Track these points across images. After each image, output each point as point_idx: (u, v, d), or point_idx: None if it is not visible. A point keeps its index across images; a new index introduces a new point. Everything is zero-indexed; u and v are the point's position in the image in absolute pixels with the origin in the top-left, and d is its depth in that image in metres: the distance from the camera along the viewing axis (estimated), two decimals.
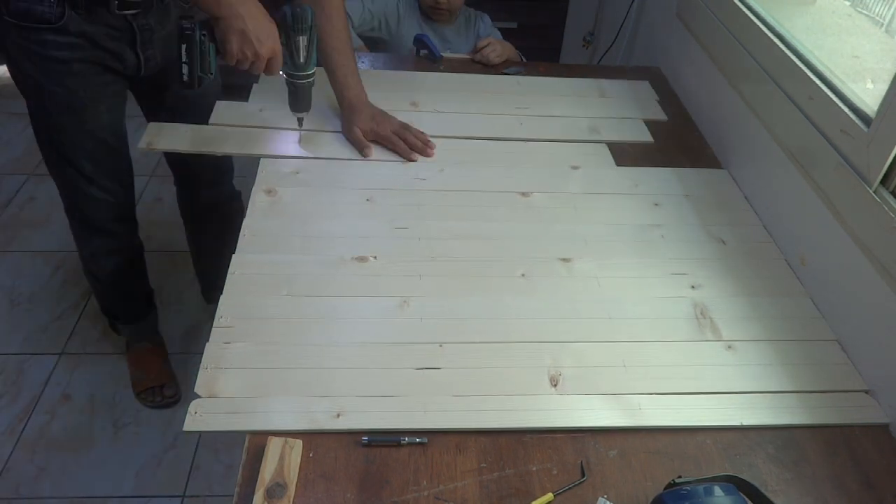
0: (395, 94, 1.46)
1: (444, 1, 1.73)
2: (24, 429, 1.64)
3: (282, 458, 0.77)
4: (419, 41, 1.67)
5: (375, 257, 1.05)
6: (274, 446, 0.78)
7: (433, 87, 1.51)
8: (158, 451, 1.62)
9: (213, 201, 1.65)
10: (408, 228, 1.12)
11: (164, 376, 1.73)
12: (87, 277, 1.62)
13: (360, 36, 1.77)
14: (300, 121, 1.24)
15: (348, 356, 0.90)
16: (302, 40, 1.10)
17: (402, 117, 1.38)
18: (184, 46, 1.06)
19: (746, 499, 0.72)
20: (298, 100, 1.19)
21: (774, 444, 0.85)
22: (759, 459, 0.83)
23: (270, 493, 0.73)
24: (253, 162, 1.24)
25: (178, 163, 1.60)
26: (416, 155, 1.27)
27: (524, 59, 1.72)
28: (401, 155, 1.27)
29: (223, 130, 1.29)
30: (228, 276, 1.00)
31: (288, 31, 1.09)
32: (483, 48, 1.62)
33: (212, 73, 1.10)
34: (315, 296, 0.98)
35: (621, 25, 1.96)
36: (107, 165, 1.37)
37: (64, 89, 1.22)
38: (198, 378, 0.85)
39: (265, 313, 0.95)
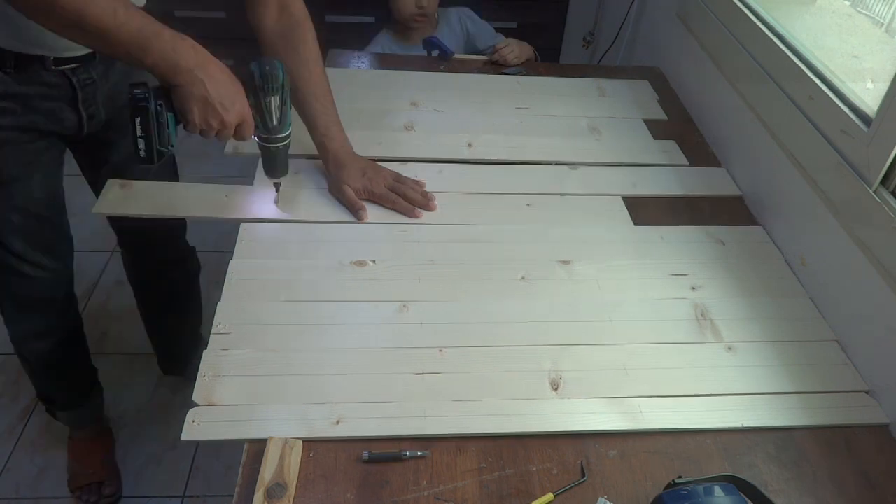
0: (395, 93, 1.46)
1: (426, 5, 1.72)
2: (23, 429, 1.64)
3: (282, 459, 0.77)
4: (429, 43, 1.67)
5: (374, 262, 1.05)
6: (274, 446, 0.78)
7: (433, 87, 1.50)
8: (158, 452, 1.62)
9: (166, 261, 1.48)
10: (406, 232, 1.11)
11: (104, 471, 1.53)
12: (20, 359, 1.41)
13: None
14: (277, 186, 1.10)
15: (347, 362, 0.90)
16: (273, 101, 0.96)
17: (401, 117, 1.38)
18: (138, 119, 0.90)
19: (746, 499, 0.72)
20: (274, 165, 1.05)
21: (774, 444, 0.85)
22: (759, 459, 0.83)
23: (270, 494, 0.73)
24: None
25: (120, 223, 1.39)
26: (420, 210, 1.14)
27: (539, 58, 1.71)
28: (402, 214, 1.13)
29: (192, 189, 1.16)
30: (226, 282, 0.99)
31: (257, 91, 0.95)
32: (501, 49, 1.62)
33: (172, 146, 0.94)
34: (313, 301, 0.98)
35: (621, 25, 1.96)
36: (40, 239, 1.19)
37: None
38: (195, 386, 0.84)
39: (263, 319, 0.94)
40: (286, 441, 0.78)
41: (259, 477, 0.75)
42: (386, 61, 1.65)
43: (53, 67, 1.02)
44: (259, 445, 0.78)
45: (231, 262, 1.02)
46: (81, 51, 1.03)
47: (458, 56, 1.66)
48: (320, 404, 0.84)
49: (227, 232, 1.13)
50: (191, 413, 0.82)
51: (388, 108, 1.41)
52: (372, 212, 1.14)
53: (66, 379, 1.46)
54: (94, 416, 1.57)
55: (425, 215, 1.15)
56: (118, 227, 1.41)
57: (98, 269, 2.06)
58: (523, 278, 1.05)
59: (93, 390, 1.53)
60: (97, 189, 1.20)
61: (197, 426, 0.80)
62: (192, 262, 1.54)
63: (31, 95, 1.04)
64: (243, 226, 1.09)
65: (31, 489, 1.53)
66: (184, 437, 0.80)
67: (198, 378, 0.85)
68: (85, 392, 1.52)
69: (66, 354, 1.42)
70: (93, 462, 1.53)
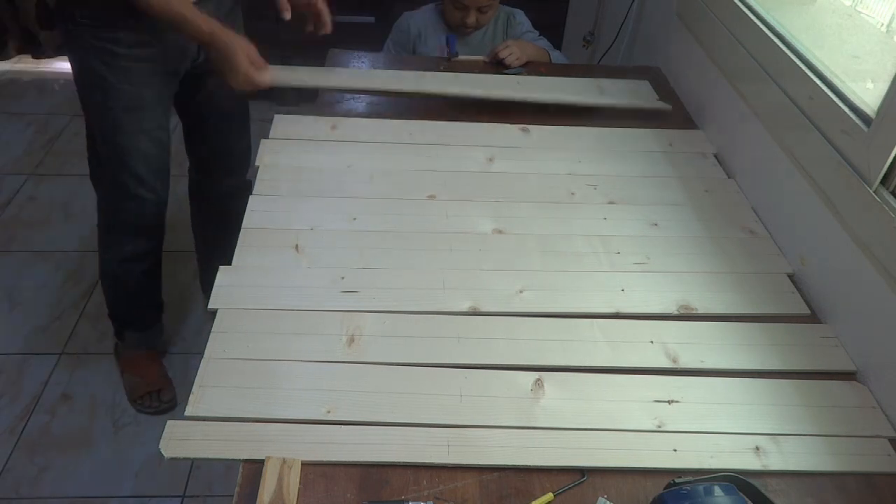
0: None
1: (471, 23, 1.72)
2: (24, 429, 1.64)
3: (280, 479, 0.75)
4: (446, 40, 1.69)
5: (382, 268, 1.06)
6: (272, 467, 0.76)
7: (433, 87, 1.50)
8: (158, 451, 1.61)
9: (231, 191, 1.62)
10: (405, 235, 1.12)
11: (161, 381, 1.71)
12: (108, 284, 1.61)
13: None
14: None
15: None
16: None
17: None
18: None
19: (746, 499, 0.72)
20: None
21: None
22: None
23: None
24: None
25: (201, 147, 1.59)
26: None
27: (551, 60, 1.71)
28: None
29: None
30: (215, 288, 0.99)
31: None
32: (499, 51, 1.61)
33: None
34: (315, 310, 0.96)
35: (621, 25, 1.96)
36: (157, 165, 1.39)
37: (131, 87, 1.26)
38: (189, 400, 0.84)
39: (258, 328, 0.93)
40: (284, 461, 0.76)
41: (258, 498, 0.73)
42: (386, 62, 1.65)
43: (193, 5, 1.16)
44: (255, 465, 0.77)
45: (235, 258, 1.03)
46: None
47: (459, 57, 1.66)
48: (320, 422, 0.82)
49: None
50: (170, 425, 0.81)
51: None
52: (370, 204, 1.14)
53: (147, 303, 1.67)
54: (157, 338, 1.76)
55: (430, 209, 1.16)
56: (192, 145, 1.59)
57: None
58: (521, 292, 1.05)
59: (160, 314, 1.74)
60: (188, 118, 1.53)
61: (187, 442, 0.82)
62: (246, 196, 1.62)
63: (168, 31, 1.22)
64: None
65: (31, 489, 1.53)
66: (169, 454, 0.79)
67: (194, 386, 0.85)
68: (156, 315, 1.72)
69: (154, 279, 1.63)
70: (150, 373, 1.70)
